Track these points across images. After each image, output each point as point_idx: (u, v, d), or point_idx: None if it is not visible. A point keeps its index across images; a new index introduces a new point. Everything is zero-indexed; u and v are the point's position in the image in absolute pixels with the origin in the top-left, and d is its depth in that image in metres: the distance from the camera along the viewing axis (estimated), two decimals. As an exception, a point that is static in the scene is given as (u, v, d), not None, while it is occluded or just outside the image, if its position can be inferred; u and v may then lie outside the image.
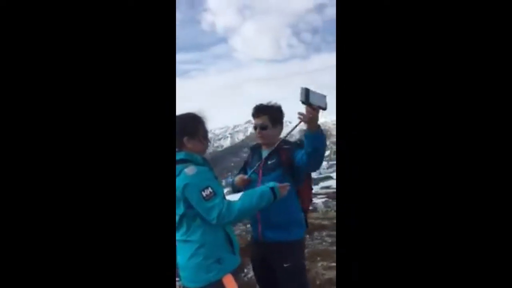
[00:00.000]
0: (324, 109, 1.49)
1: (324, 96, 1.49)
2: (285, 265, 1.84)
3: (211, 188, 1.43)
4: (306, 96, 1.46)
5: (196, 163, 1.52)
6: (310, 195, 2.03)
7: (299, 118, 1.52)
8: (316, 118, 1.51)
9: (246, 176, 1.92)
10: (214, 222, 1.43)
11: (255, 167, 1.93)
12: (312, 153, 1.65)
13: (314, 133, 1.55)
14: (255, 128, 1.93)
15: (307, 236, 5.25)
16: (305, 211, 1.99)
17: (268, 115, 1.89)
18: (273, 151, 1.90)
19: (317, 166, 1.75)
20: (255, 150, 2.03)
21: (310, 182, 2.00)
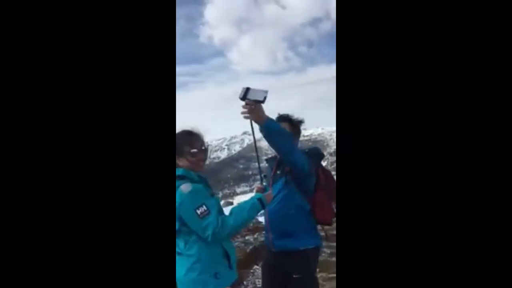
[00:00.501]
0: (262, 102, 1.54)
1: (264, 91, 1.54)
2: (294, 276, 1.82)
3: (205, 206, 1.44)
4: (244, 93, 1.54)
5: (191, 180, 1.53)
6: (328, 207, 1.93)
7: (244, 117, 1.56)
8: (256, 111, 1.55)
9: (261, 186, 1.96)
10: (209, 239, 1.44)
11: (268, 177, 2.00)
12: (278, 147, 1.68)
13: (263, 125, 1.58)
14: None
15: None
16: (325, 223, 1.95)
17: (289, 124, 1.96)
18: (280, 161, 1.94)
19: (292, 158, 1.73)
20: (270, 161, 2.08)
21: (327, 194, 1.93)
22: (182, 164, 1.58)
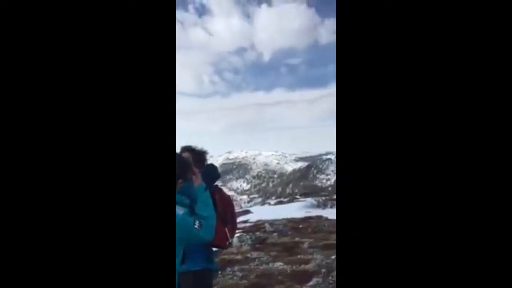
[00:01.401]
0: None
1: None
2: None
3: (198, 220, 1.62)
4: None
5: (182, 204, 1.62)
6: (222, 231, 2.07)
7: None
8: None
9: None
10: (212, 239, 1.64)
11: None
12: None
13: None
14: None
15: (219, 272, 5.28)
16: (217, 246, 2.08)
17: (191, 153, 2.17)
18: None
19: None
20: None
21: (222, 217, 2.07)
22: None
